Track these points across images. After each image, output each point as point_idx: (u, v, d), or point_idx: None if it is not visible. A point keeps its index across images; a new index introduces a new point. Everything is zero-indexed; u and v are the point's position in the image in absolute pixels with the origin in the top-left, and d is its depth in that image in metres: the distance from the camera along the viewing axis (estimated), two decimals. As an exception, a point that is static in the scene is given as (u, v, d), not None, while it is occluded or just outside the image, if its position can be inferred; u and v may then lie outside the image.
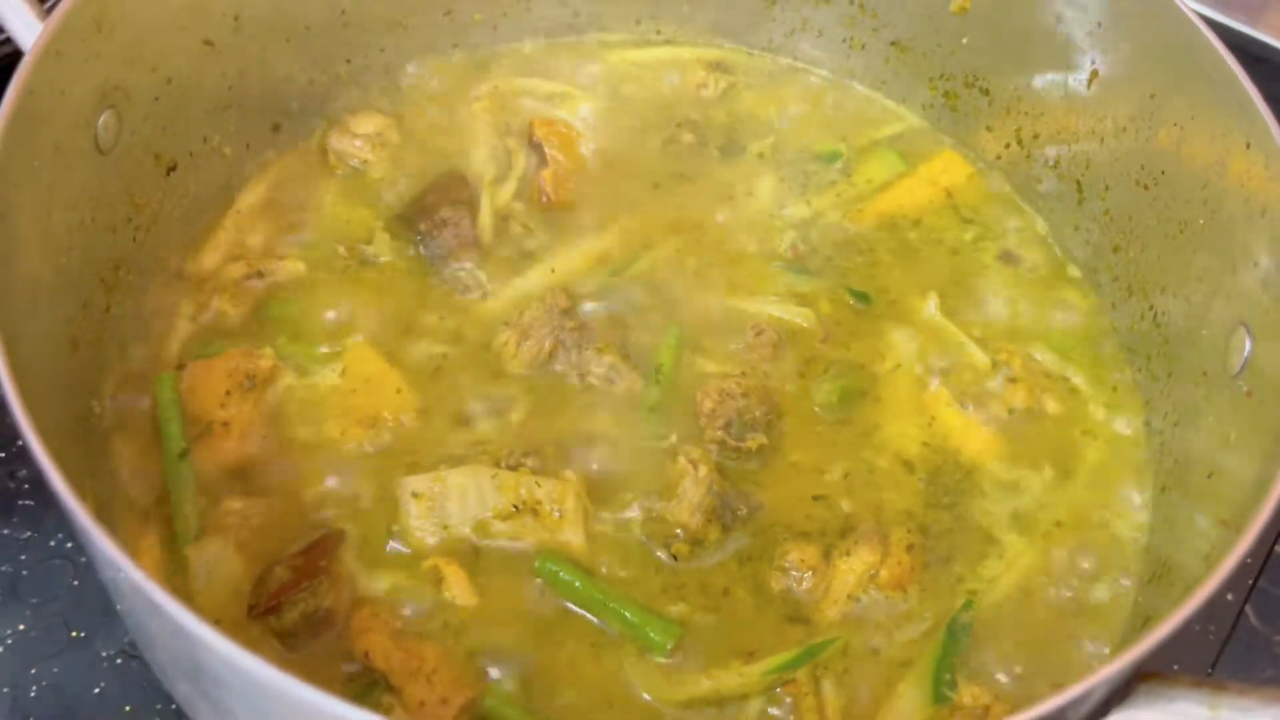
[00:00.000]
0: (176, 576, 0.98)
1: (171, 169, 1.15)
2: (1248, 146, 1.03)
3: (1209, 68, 1.07)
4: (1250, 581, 1.24)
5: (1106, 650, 1.04)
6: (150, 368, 1.10)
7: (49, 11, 0.96)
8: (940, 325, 1.23)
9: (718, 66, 1.44)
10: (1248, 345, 1.00)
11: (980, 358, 1.20)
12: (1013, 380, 1.19)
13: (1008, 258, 1.31)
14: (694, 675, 0.97)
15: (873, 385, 1.18)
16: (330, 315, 1.16)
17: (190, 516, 1.01)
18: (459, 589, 1.00)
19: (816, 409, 1.15)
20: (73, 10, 0.96)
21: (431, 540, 1.02)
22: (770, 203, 1.32)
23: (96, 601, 1.12)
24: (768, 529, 1.07)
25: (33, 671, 1.08)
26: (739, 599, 1.03)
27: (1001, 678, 1.01)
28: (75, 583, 1.13)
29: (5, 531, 1.16)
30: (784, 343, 1.19)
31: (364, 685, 0.95)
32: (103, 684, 1.08)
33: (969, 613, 1.03)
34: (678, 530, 1.04)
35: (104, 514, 0.97)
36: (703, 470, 1.05)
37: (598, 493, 1.06)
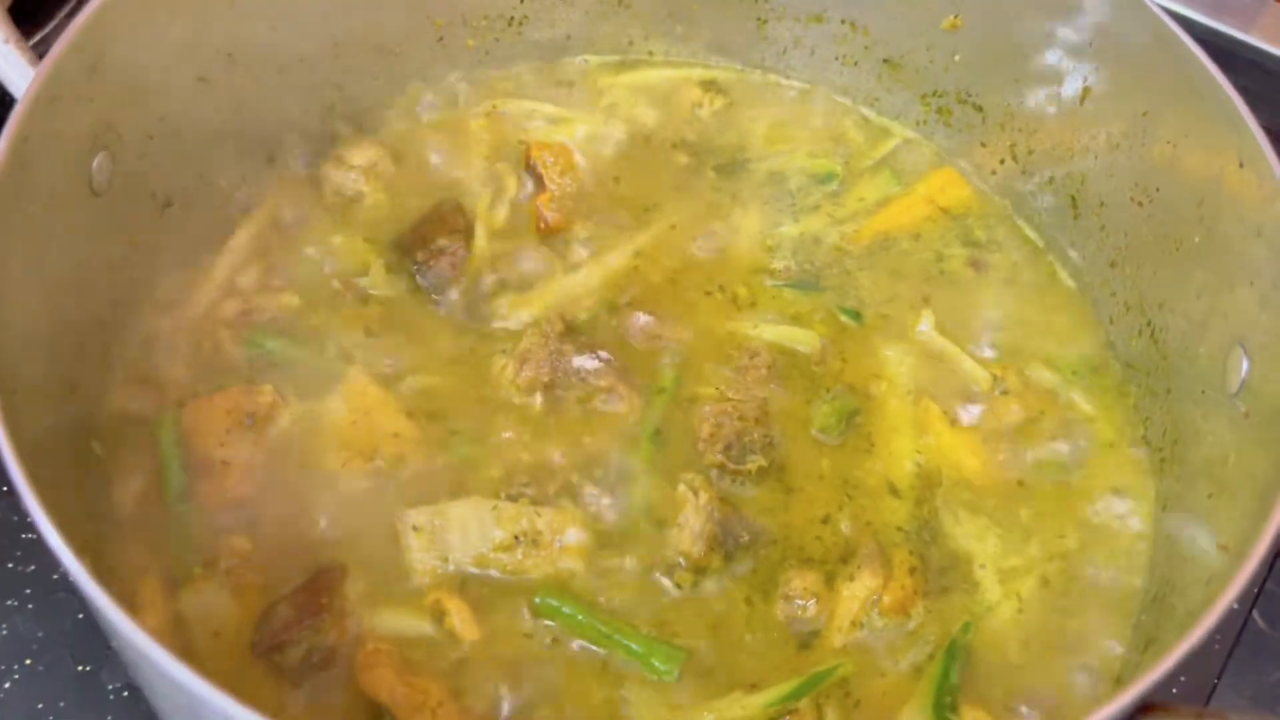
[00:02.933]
0: (177, 619, 0.98)
1: (167, 205, 1.15)
2: (1241, 165, 1.03)
3: (1200, 85, 1.07)
4: (1257, 587, 1.23)
5: (1108, 671, 1.03)
6: (150, 407, 1.09)
7: (40, 57, 0.96)
8: (936, 342, 1.22)
9: (712, 86, 1.44)
10: (1245, 365, 1.00)
11: (976, 373, 1.20)
12: (1008, 395, 1.18)
13: (1004, 273, 1.30)
14: (697, 708, 0.97)
15: (869, 405, 1.17)
16: (328, 348, 1.16)
17: (192, 556, 1.01)
18: (462, 622, 1.00)
19: (815, 431, 1.15)
20: (65, 55, 0.95)
21: (433, 573, 1.02)
22: (766, 223, 1.32)
23: (101, 635, 1.11)
24: (770, 555, 1.06)
25: (40, 706, 1.08)
26: (742, 628, 1.02)
27: (1003, 700, 1.01)
28: (80, 616, 1.13)
29: (9, 565, 1.16)
30: (780, 364, 1.18)
31: (369, 721, 0.95)
32: (109, 717, 1.08)
33: (968, 635, 1.03)
34: (680, 559, 1.04)
35: (103, 558, 0.98)
36: (703, 497, 1.05)
37: (599, 522, 1.06)
